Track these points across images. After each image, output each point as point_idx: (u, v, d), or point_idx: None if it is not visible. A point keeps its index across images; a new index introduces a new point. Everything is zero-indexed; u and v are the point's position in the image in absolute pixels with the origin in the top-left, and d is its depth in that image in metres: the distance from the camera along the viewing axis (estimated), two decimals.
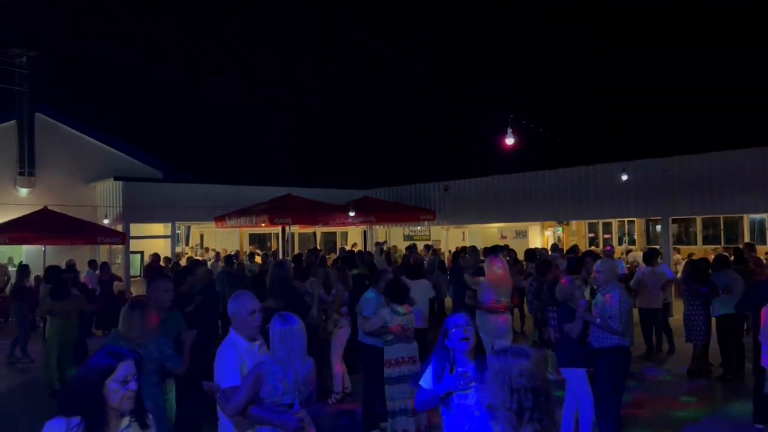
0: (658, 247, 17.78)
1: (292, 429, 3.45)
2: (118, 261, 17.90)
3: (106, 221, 17.78)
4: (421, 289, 8.00)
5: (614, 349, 5.70)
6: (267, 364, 3.51)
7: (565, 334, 5.85)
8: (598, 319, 5.70)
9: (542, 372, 2.40)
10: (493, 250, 9.87)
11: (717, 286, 8.48)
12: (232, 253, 17.72)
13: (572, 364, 5.83)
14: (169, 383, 4.85)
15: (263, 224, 16.84)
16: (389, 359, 5.82)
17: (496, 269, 7.65)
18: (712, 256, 10.68)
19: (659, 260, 10.83)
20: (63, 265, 12.07)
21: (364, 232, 22.53)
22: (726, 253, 10.38)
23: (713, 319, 8.75)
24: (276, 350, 3.55)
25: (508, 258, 11.35)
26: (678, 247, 17.50)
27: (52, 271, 10.44)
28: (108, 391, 2.53)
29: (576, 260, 9.24)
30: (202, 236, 23.06)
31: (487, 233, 22.25)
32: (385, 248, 18.23)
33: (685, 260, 9.76)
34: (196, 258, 16.68)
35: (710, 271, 9.05)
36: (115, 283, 14.55)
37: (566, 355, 5.90)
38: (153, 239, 18.45)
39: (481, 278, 7.81)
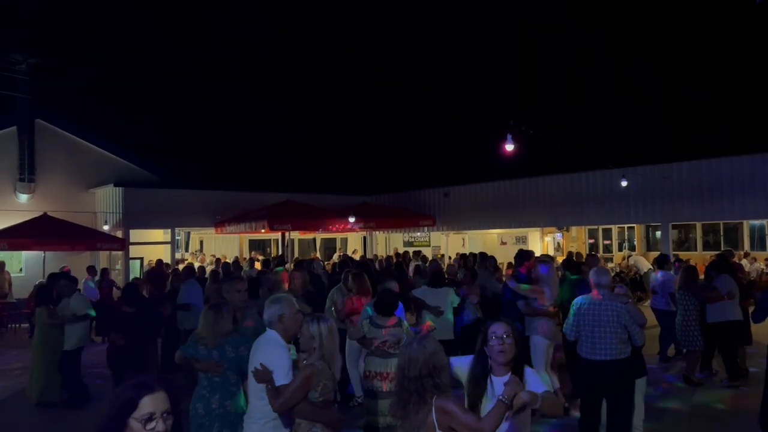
0: (657, 253, 17.79)
1: (337, 423, 3.66)
2: (118, 267, 17.89)
3: (105, 227, 17.77)
4: (444, 298, 7.84)
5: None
6: (318, 364, 3.65)
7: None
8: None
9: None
10: (527, 256, 9.14)
11: (721, 290, 8.35)
12: (230, 260, 17.70)
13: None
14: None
15: (263, 230, 16.84)
16: (364, 371, 5.74)
17: (549, 275, 7.36)
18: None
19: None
20: (58, 271, 12.08)
21: (364, 238, 22.53)
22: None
23: (708, 325, 8.55)
24: (324, 349, 3.70)
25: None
26: (678, 253, 17.49)
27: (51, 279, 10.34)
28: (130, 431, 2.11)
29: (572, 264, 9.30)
30: (201, 242, 23.05)
31: (486, 239, 22.24)
32: (393, 255, 18.02)
33: (682, 266, 9.63)
34: (197, 264, 16.66)
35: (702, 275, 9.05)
36: (114, 289, 14.52)
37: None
38: (153, 245, 18.44)
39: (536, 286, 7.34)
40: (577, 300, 5.77)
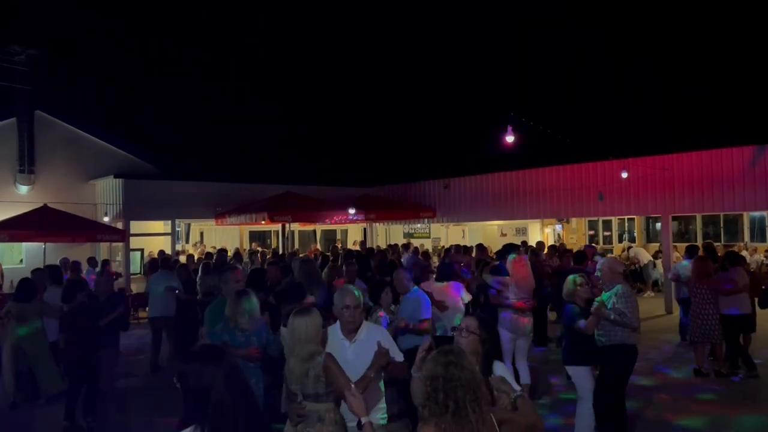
0: (657, 244, 17.82)
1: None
2: (119, 258, 17.92)
3: (106, 219, 17.79)
4: (451, 294, 7.63)
5: (620, 347, 5.72)
6: None
7: (572, 332, 5.83)
8: (613, 315, 5.66)
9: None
10: (512, 249, 9.21)
11: (738, 283, 8.38)
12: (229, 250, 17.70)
13: (578, 361, 5.84)
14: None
15: (263, 221, 16.83)
16: None
17: (521, 268, 7.49)
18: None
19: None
20: (58, 263, 12.09)
21: (364, 229, 22.56)
22: (734, 250, 10.34)
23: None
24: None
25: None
26: (677, 244, 17.52)
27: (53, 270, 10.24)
28: None
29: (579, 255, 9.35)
30: (202, 233, 23.08)
31: (487, 230, 22.26)
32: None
33: (694, 259, 9.57)
34: (197, 255, 16.69)
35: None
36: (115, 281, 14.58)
37: (571, 353, 5.91)
38: (153, 236, 18.46)
39: (507, 277, 7.53)
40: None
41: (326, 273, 9.12)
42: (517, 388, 3.21)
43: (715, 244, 17.55)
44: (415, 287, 6.46)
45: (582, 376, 5.82)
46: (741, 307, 8.40)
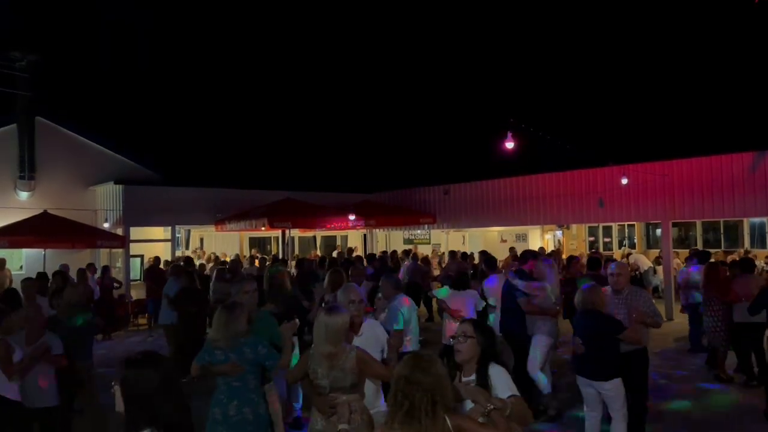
0: (658, 251, 17.80)
1: None
2: (119, 264, 17.90)
3: (106, 225, 17.78)
4: (468, 302, 7.57)
5: (638, 351, 5.68)
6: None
7: (601, 342, 5.39)
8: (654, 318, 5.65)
9: None
10: (533, 255, 8.94)
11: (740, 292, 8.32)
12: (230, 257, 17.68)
13: (614, 373, 5.40)
14: (269, 387, 4.80)
15: (263, 228, 16.83)
16: None
17: (552, 273, 7.25)
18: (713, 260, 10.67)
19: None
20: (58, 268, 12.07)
21: (365, 235, 22.54)
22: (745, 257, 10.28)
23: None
24: None
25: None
26: (678, 251, 17.50)
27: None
28: None
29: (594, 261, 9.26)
30: (202, 240, 23.06)
31: (487, 236, 22.25)
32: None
33: (705, 266, 9.56)
34: (198, 261, 16.67)
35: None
36: (115, 285, 14.55)
37: (603, 366, 5.41)
38: (153, 243, 18.45)
39: (545, 283, 7.13)
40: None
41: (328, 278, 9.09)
42: (506, 396, 3.20)
43: (716, 250, 17.60)
44: (401, 294, 6.27)
45: (621, 390, 5.38)
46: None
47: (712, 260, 10.61)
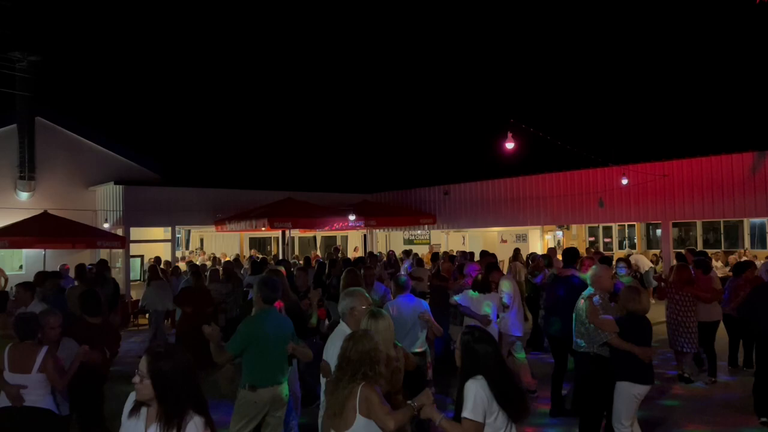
0: (658, 251, 17.80)
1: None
2: (119, 265, 17.90)
3: (106, 225, 17.78)
4: (491, 305, 7.22)
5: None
6: None
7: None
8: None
9: None
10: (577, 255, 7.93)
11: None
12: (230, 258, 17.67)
13: (627, 375, 5.37)
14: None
15: (263, 228, 16.84)
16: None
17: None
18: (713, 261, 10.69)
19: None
20: (58, 268, 12.07)
21: (365, 235, 22.55)
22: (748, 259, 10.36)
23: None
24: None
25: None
26: (678, 251, 17.47)
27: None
28: None
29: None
30: (202, 240, 23.07)
31: (487, 237, 22.24)
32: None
33: (674, 266, 9.56)
34: (198, 262, 16.66)
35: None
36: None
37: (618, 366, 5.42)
38: (153, 243, 18.46)
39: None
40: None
41: (344, 278, 8.92)
42: (463, 415, 3.24)
43: (716, 251, 17.59)
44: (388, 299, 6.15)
45: (630, 394, 5.27)
46: (713, 314, 8.64)
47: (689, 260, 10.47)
